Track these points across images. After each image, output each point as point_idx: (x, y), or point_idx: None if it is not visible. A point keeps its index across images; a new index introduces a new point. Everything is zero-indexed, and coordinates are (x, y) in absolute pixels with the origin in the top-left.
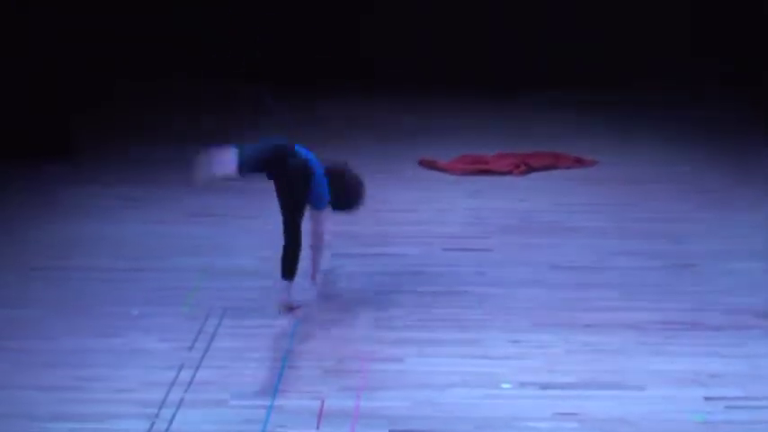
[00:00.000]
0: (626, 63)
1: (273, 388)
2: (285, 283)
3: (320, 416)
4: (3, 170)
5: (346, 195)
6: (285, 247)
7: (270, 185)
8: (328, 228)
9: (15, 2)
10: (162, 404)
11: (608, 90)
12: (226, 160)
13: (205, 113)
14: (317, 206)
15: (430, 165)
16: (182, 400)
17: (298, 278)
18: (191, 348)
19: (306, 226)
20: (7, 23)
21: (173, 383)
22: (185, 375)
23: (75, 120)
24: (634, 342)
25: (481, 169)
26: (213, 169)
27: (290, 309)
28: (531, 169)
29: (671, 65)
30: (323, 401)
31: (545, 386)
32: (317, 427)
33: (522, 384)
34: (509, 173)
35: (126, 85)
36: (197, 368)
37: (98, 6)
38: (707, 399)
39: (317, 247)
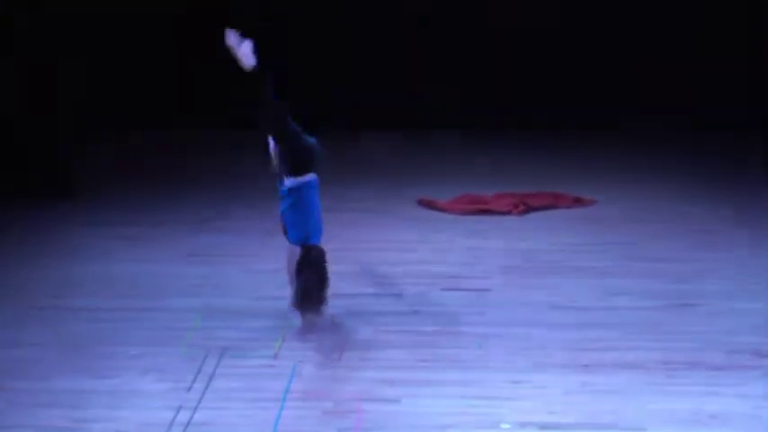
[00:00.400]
0: (625, 103)
1: (272, 429)
2: None
3: None
4: (2, 210)
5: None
6: None
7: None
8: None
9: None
10: None
11: (607, 130)
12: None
13: (205, 155)
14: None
15: (429, 204)
16: None
17: None
18: (189, 389)
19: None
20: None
21: (171, 424)
22: (183, 416)
23: (74, 160)
24: (634, 382)
25: (480, 209)
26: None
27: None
28: (530, 209)
29: (672, 106)
30: None
31: (544, 426)
32: None
33: (522, 425)
34: (508, 213)
35: (125, 126)
36: (195, 409)
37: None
38: None
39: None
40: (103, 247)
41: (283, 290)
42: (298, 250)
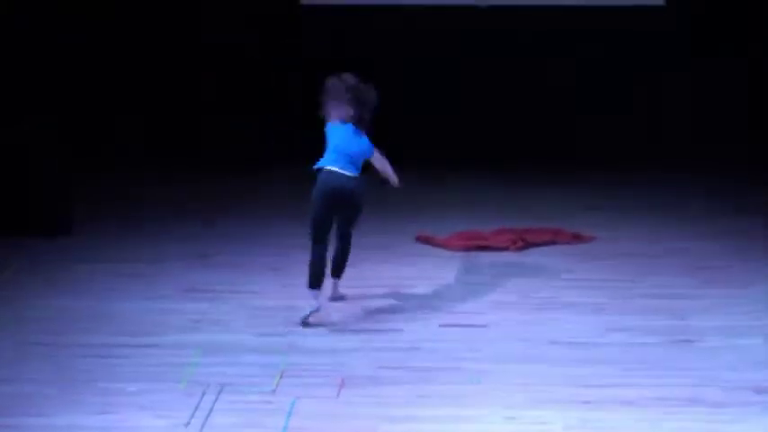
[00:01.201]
0: (626, 141)
1: None
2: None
3: None
4: (1, 246)
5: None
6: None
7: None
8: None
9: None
10: None
11: (607, 167)
12: None
13: (205, 188)
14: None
15: (427, 241)
16: None
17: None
18: (187, 425)
19: None
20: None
21: None
22: None
23: (74, 196)
24: (633, 419)
25: (478, 245)
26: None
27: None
28: (528, 245)
29: (672, 147)
30: None
31: None
32: None
33: None
34: (506, 249)
35: (125, 159)
36: None
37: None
38: None
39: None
40: (103, 283)
41: (282, 326)
42: None
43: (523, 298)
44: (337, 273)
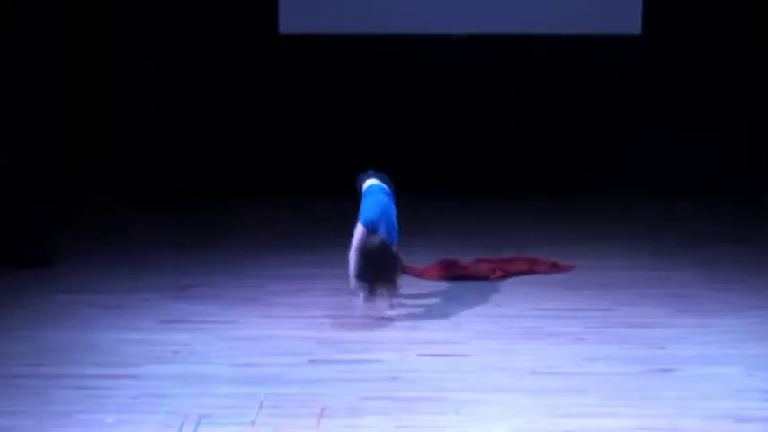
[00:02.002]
0: (602, 170)
1: None
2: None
3: None
4: None
5: None
6: None
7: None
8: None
9: None
10: None
11: (584, 195)
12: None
13: (183, 218)
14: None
15: (406, 270)
16: None
17: None
18: None
19: None
20: None
21: None
22: None
23: (52, 227)
24: None
25: (457, 275)
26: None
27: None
28: (507, 274)
29: (648, 175)
30: None
31: None
32: None
33: None
34: (485, 278)
35: (102, 190)
36: None
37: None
38: None
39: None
40: (82, 314)
41: (261, 357)
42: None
43: (503, 328)
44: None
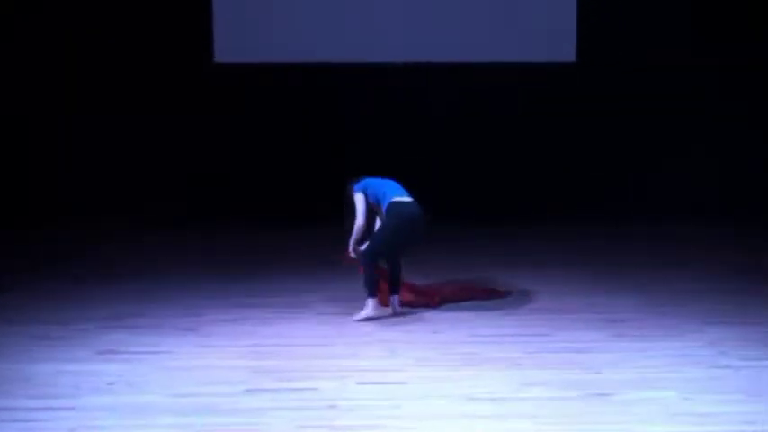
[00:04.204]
0: (540, 196)
1: None
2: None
3: None
4: None
5: None
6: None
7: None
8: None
9: None
10: None
11: (522, 222)
12: None
13: (127, 249)
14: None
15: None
16: None
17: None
18: None
19: None
20: None
21: None
22: None
23: None
24: None
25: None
26: None
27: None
28: (445, 300)
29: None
30: None
31: None
32: None
33: None
34: (426, 305)
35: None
36: None
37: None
38: None
39: None
40: (18, 345)
41: (198, 386)
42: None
43: (441, 354)
44: (398, 289)
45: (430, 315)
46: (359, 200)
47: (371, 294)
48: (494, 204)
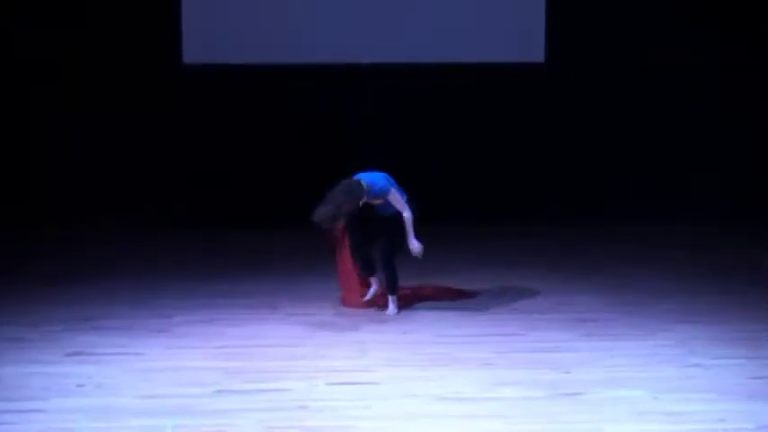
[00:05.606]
0: (511, 196)
1: None
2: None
3: None
4: None
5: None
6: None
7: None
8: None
9: None
10: None
11: (492, 222)
12: None
13: (87, 253)
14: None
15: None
16: None
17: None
18: None
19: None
20: None
21: None
22: None
23: None
24: None
25: (364, 303)
26: None
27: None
28: (414, 301)
29: (555, 202)
30: None
31: None
32: None
33: None
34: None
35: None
36: None
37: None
38: None
39: None
40: None
41: (168, 388)
42: None
43: (412, 354)
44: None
45: (400, 315)
46: (397, 197)
47: (394, 292)
48: (463, 205)
